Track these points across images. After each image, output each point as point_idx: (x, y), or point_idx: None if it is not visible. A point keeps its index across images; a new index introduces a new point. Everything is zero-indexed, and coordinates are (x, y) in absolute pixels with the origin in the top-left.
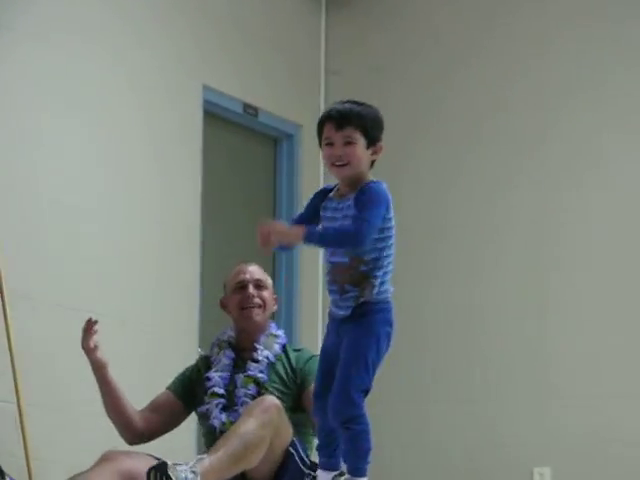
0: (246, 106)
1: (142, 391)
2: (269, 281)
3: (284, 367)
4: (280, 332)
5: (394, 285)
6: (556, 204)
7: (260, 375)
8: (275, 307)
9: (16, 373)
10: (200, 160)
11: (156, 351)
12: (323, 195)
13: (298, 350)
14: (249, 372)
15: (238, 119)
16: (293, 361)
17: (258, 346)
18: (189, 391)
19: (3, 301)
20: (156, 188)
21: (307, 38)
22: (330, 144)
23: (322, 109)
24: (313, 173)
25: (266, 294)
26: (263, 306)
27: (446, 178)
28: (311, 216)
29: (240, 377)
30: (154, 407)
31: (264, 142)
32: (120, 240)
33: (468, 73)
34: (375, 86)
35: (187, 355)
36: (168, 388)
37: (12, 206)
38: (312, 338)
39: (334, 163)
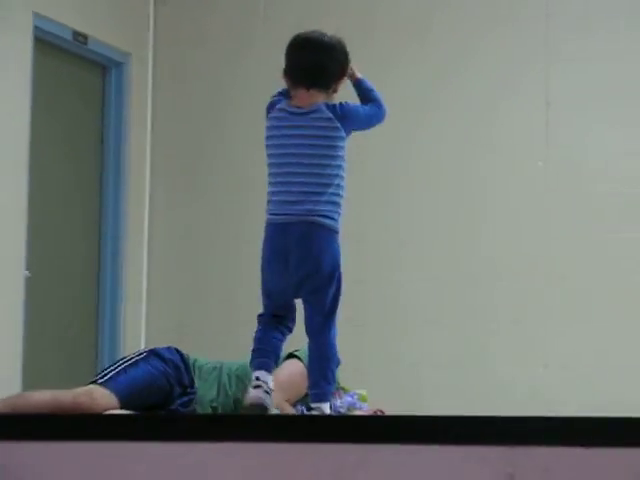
0: (76, 33)
1: None
2: None
3: None
4: None
5: None
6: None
7: None
8: None
9: None
10: (30, 88)
11: None
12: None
13: None
14: None
15: (68, 46)
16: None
17: None
18: None
19: None
20: None
21: None
22: None
23: (151, 38)
24: (141, 101)
25: None
26: None
27: None
28: None
29: None
30: None
31: (93, 70)
32: None
33: None
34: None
35: None
36: None
37: None
38: None
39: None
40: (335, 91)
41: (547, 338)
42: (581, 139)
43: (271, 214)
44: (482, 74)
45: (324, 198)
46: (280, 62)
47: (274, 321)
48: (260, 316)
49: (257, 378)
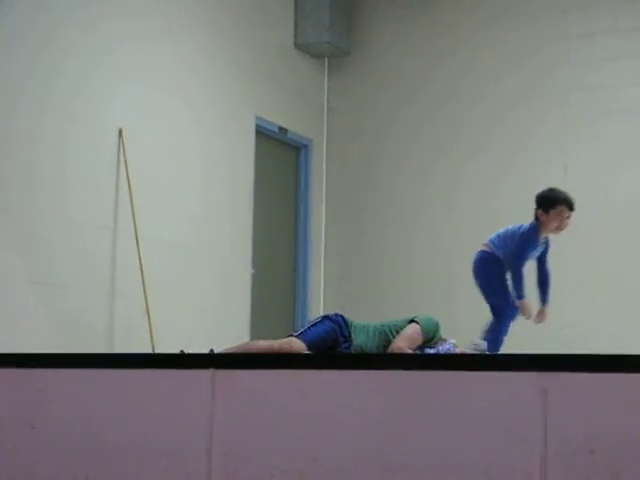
0: (280, 128)
1: None
2: None
3: None
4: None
5: None
6: None
7: None
8: None
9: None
10: (253, 165)
11: None
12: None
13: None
14: None
15: (275, 136)
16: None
17: None
18: None
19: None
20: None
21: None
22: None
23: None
24: (320, 172)
25: None
26: None
27: None
28: None
29: None
30: None
31: (290, 151)
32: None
33: None
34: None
35: None
36: None
37: None
38: None
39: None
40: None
41: None
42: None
43: None
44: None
45: None
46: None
47: None
48: None
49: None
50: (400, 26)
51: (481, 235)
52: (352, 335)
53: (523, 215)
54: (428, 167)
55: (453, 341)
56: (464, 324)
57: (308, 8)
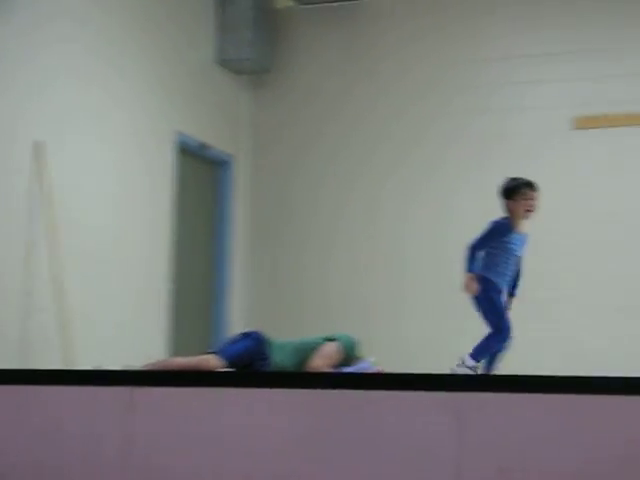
0: (201, 144)
1: None
2: None
3: None
4: None
5: None
6: None
7: None
8: None
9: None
10: (171, 179)
11: None
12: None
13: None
14: None
15: (196, 151)
16: None
17: None
18: None
19: None
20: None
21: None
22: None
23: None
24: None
25: None
26: None
27: None
28: None
29: None
30: None
31: (210, 168)
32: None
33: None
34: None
35: None
36: None
37: None
38: None
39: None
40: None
41: None
42: None
43: None
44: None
45: None
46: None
47: None
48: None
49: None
50: (321, 44)
51: (399, 252)
52: (270, 353)
53: (442, 231)
54: (348, 184)
55: (372, 359)
56: (382, 342)
57: (230, 25)
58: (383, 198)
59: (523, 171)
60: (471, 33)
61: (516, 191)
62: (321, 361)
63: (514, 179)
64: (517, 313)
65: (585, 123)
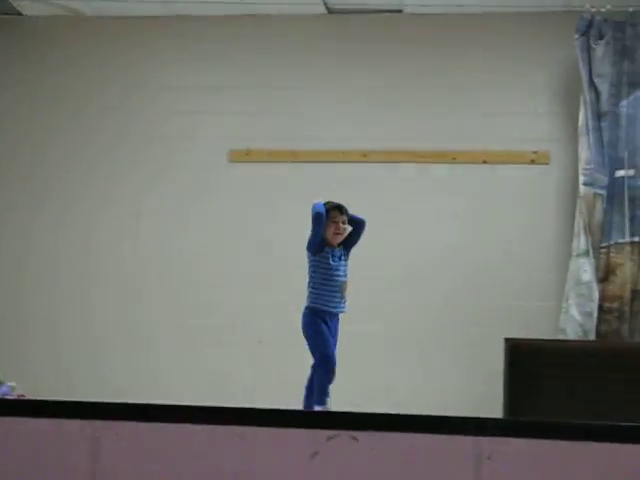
0: None
1: None
2: None
3: None
4: None
5: None
6: None
7: None
8: None
9: None
10: None
11: None
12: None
13: None
14: None
15: None
16: None
17: None
18: None
19: None
20: None
21: None
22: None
23: None
24: None
25: None
26: None
27: None
28: None
29: None
30: None
31: None
32: None
33: None
34: None
35: None
36: None
37: None
38: None
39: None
40: None
41: None
42: None
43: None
44: None
45: None
46: None
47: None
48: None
49: None
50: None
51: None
52: None
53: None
54: (61, 220)
55: (11, 384)
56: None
57: None
58: (62, 231)
59: (190, 201)
60: (146, 59)
61: (326, 215)
62: None
63: (326, 203)
64: None
65: (237, 157)
